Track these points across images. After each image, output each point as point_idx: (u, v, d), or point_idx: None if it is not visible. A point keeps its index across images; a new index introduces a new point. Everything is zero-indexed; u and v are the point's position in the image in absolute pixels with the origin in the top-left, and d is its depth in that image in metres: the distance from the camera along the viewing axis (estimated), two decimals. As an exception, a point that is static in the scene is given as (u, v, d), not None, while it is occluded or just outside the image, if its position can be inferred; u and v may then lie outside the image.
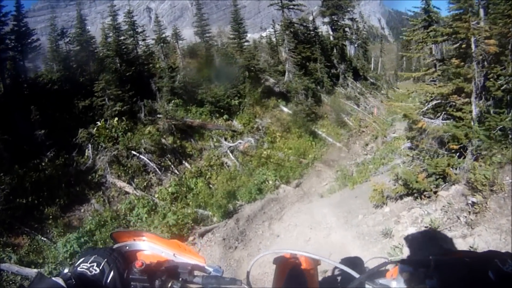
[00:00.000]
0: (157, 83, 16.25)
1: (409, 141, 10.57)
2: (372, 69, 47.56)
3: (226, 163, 14.66)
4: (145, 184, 12.92)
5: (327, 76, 25.32)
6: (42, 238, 10.24)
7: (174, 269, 1.41)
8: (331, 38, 31.01)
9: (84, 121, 14.01)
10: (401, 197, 8.81)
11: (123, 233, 1.64)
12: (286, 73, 21.38)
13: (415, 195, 8.44)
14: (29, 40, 16.33)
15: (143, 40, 18.33)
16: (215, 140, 15.34)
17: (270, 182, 13.86)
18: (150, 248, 1.55)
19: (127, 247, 1.52)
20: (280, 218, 10.84)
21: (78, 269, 1.20)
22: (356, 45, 44.84)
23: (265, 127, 17.05)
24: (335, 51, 29.95)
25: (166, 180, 13.30)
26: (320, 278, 1.88)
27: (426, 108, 8.99)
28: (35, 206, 10.93)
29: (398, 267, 1.24)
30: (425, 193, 8.13)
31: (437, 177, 8.01)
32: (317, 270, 1.79)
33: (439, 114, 8.83)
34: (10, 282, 8.56)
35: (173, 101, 15.74)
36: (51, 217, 10.81)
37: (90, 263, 1.21)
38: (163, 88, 15.96)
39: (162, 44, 18.32)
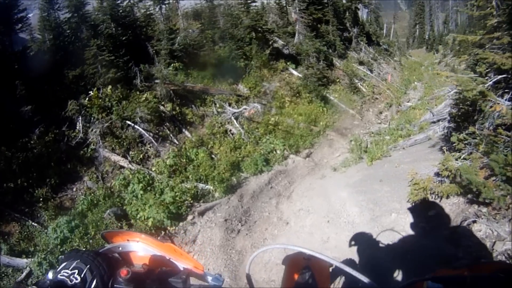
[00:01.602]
0: (154, 46, 13.91)
1: (450, 118, 7.80)
2: (384, 35, 43.98)
3: (230, 130, 12.53)
4: (141, 156, 11.01)
5: (340, 40, 22.46)
6: (33, 223, 8.77)
7: (166, 278, 1.21)
8: (344, 0, 27.63)
9: (76, 92, 11.95)
10: (447, 196, 6.24)
11: (116, 233, 1.53)
12: (296, 35, 18.61)
13: (469, 196, 5.89)
14: (15, 11, 14.06)
15: (140, 1, 15.75)
16: (218, 105, 13.10)
17: (278, 151, 11.75)
18: (144, 250, 1.41)
19: (120, 248, 1.40)
20: (289, 196, 8.79)
21: (58, 276, 1.06)
22: (368, 10, 41.15)
23: (273, 91, 14.58)
24: (347, 14, 26.79)
25: (164, 151, 11.34)
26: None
27: (488, 84, 6.14)
28: (25, 189, 9.28)
29: (427, 284, 1.05)
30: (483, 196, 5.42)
31: (503, 178, 5.26)
32: (329, 272, 1.59)
33: (499, 91, 6.11)
34: (2, 275, 7.37)
35: (172, 65, 13.44)
36: (41, 199, 9.21)
37: (71, 270, 1.07)
38: (161, 51, 13.63)
39: (161, 5, 15.75)
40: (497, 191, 5.17)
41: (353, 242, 4.96)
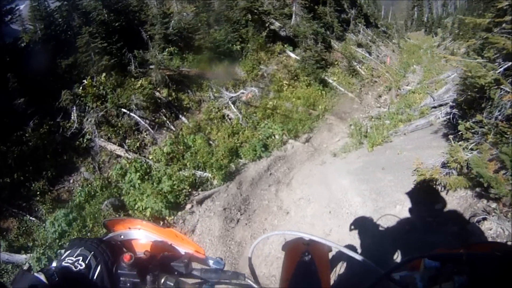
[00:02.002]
0: (148, 30, 13.27)
1: (456, 105, 7.25)
2: (382, 17, 42.87)
3: (227, 115, 12.06)
4: (138, 144, 10.61)
5: (337, 21, 21.67)
6: (31, 218, 8.52)
7: (169, 262, 1.24)
8: (341, -20, 26.60)
9: (69, 81, 11.43)
10: (454, 188, 5.62)
11: (117, 221, 1.52)
12: (293, 16, 17.86)
13: (477, 190, 5.36)
14: (4, 2, 13.36)
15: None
16: (214, 90, 12.56)
17: (277, 136, 11.35)
18: (145, 237, 1.40)
19: (122, 236, 1.39)
20: (288, 183, 8.41)
21: (63, 263, 1.07)
22: (366, -9, 39.92)
23: (270, 75, 13.98)
24: (345, -6, 25.86)
25: (161, 138, 10.95)
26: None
27: (499, 70, 5.48)
28: (21, 183, 8.97)
29: (424, 262, 1.06)
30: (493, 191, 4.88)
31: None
32: (328, 256, 1.60)
33: (509, 79, 5.43)
34: (2, 272, 7.27)
35: (167, 50, 12.86)
36: (38, 193, 8.92)
37: (75, 257, 1.08)
38: (155, 36, 13.01)
39: (154, -12, 15.00)
40: (508, 186, 4.68)
41: (353, 227, 4.87)
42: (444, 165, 5.95)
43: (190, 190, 9.00)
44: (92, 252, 1.09)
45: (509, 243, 4.51)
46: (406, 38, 41.25)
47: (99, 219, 8.42)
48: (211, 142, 10.93)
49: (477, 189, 5.43)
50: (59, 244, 7.80)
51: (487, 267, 0.92)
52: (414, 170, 6.21)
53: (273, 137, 11.34)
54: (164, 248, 1.34)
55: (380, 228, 4.90)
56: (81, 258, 1.06)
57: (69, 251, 1.10)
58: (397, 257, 4.11)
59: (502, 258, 0.93)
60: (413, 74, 24.35)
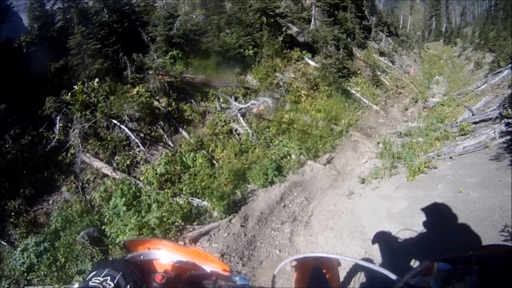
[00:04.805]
0: (149, 32, 11.51)
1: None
2: (401, 27, 40.64)
3: (235, 130, 10.06)
4: (128, 162, 8.79)
5: (359, 28, 19.57)
6: (2, 242, 7.20)
7: (197, 280, 1.22)
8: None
9: (59, 86, 9.79)
10: None
11: (138, 241, 1.48)
12: (312, 21, 15.86)
13: None
14: None
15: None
16: (222, 100, 10.59)
17: (293, 156, 9.29)
18: (167, 257, 1.38)
19: (141, 257, 1.37)
20: (307, 222, 6.36)
21: (90, 283, 1.03)
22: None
23: (287, 84, 11.85)
24: (365, 1, 23.87)
25: (156, 156, 9.10)
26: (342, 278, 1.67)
27: None
28: None
29: (437, 265, 1.09)
30: None
31: None
32: (338, 270, 1.63)
33: None
34: None
35: (169, 53, 11.04)
36: (13, 213, 7.51)
37: (103, 277, 1.04)
38: (157, 37, 11.23)
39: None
40: None
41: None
42: None
43: (183, 223, 7.04)
44: (121, 272, 1.04)
45: None
46: (426, 49, 38.89)
47: (72, 253, 6.86)
48: (214, 161, 8.95)
49: None
50: (27, 278, 6.55)
51: (496, 265, 0.95)
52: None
53: (288, 157, 9.26)
54: (189, 267, 1.29)
55: None
56: (109, 278, 1.02)
57: (95, 272, 1.05)
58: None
59: (509, 256, 0.99)
60: (437, 85, 22.35)
